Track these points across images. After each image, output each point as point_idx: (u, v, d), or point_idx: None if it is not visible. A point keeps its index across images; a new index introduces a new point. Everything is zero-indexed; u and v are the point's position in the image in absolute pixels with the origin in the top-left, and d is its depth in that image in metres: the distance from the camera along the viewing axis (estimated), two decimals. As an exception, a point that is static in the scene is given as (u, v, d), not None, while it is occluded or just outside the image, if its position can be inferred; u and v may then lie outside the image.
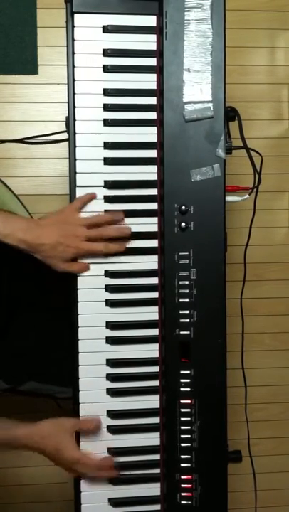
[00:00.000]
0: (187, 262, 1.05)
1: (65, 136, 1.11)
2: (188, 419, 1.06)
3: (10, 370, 1.04)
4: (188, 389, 1.06)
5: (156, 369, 1.07)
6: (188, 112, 1.03)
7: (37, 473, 1.71)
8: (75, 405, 1.07)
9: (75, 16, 1.03)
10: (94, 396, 1.06)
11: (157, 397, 1.07)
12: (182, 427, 1.06)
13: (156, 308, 1.07)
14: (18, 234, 0.99)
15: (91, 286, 1.05)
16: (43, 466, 1.70)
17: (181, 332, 1.05)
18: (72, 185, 1.05)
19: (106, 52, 1.04)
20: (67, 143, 1.05)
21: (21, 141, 1.59)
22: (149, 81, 1.05)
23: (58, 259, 1.01)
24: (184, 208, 1.04)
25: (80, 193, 1.04)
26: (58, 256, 1.01)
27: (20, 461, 1.70)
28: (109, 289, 1.06)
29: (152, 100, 1.06)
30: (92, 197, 1.03)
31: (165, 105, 1.03)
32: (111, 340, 1.06)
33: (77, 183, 1.04)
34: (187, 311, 1.05)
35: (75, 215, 1.02)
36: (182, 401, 1.06)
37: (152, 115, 1.06)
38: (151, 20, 1.05)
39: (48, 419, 1.04)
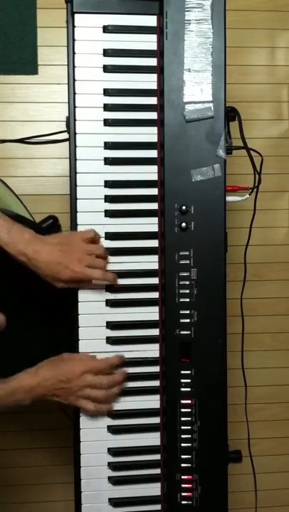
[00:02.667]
0: (187, 262, 1.05)
1: (65, 136, 1.11)
2: (189, 419, 1.06)
3: (10, 369, 1.04)
4: (189, 389, 1.06)
5: (156, 369, 1.07)
6: (189, 112, 1.03)
7: (37, 473, 1.71)
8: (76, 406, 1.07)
9: (76, 15, 1.03)
10: (94, 396, 1.06)
11: (157, 397, 1.07)
12: (182, 427, 1.06)
13: (156, 308, 1.07)
14: (19, 245, 0.99)
15: (91, 286, 1.05)
16: (43, 466, 1.70)
17: (182, 332, 1.05)
18: (73, 185, 1.05)
19: (106, 52, 1.04)
20: (67, 143, 1.05)
21: (21, 141, 1.59)
22: (150, 81, 1.05)
23: (53, 278, 1.01)
24: (184, 208, 1.04)
25: (80, 193, 1.04)
26: (53, 275, 1.00)
27: (21, 461, 1.70)
28: (109, 289, 1.06)
29: (153, 100, 1.06)
30: (99, 237, 1.04)
31: (165, 105, 1.03)
32: (111, 341, 1.06)
33: (78, 183, 1.04)
34: (187, 311, 1.05)
35: (81, 242, 1.02)
36: (182, 401, 1.06)
37: (153, 115, 1.06)
38: (151, 20, 1.05)
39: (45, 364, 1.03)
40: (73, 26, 1.03)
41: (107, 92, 1.04)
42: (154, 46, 1.05)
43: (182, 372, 1.05)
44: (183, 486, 1.06)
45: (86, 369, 1.02)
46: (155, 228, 1.07)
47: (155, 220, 1.07)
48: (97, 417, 1.06)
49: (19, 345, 1.10)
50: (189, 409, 1.06)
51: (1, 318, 0.98)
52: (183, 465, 1.06)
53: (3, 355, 1.07)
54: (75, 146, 1.04)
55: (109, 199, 1.05)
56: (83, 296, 1.05)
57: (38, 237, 1.02)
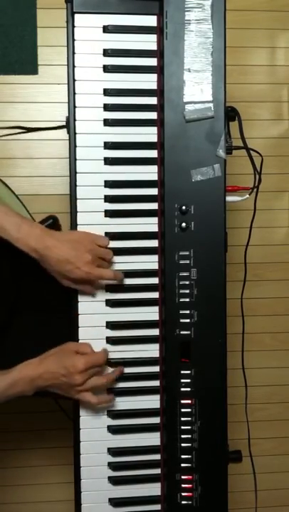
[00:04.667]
0: (187, 262, 1.05)
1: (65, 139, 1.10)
2: (189, 419, 1.06)
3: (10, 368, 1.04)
4: (189, 389, 1.06)
5: (156, 369, 1.07)
6: (189, 112, 1.03)
7: (37, 473, 1.71)
8: (75, 405, 1.07)
9: (76, 15, 1.03)
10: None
11: (158, 397, 1.07)
12: (182, 427, 1.06)
13: (156, 308, 1.07)
14: (30, 241, 0.98)
15: (93, 290, 1.05)
16: (44, 466, 1.70)
17: (182, 332, 1.05)
18: (73, 185, 1.05)
19: (106, 52, 1.04)
20: (67, 142, 1.05)
21: (22, 127, 1.57)
22: (150, 81, 1.05)
23: (62, 275, 1.01)
24: (184, 208, 1.04)
25: (80, 192, 1.04)
26: (63, 273, 1.01)
27: (21, 461, 1.70)
28: (109, 289, 1.06)
29: (153, 100, 1.06)
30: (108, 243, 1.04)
31: (165, 105, 1.03)
32: (111, 341, 1.06)
33: (78, 183, 1.04)
34: (187, 311, 1.05)
35: (93, 243, 1.02)
36: (182, 401, 1.06)
37: (153, 115, 1.06)
38: (151, 20, 1.05)
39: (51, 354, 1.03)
40: (73, 26, 1.03)
41: (107, 92, 1.04)
42: (154, 46, 1.05)
43: (182, 372, 1.05)
44: (183, 486, 1.06)
45: (89, 365, 1.01)
46: (155, 228, 1.07)
47: (155, 220, 1.07)
48: (97, 417, 1.06)
49: (19, 338, 1.10)
50: (189, 409, 1.06)
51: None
52: (183, 465, 1.06)
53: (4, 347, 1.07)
54: (75, 146, 1.04)
55: (109, 199, 1.05)
56: (83, 296, 1.05)
57: (49, 232, 1.02)
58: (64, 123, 1.08)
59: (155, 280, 1.07)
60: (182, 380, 1.06)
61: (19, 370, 1.00)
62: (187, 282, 1.05)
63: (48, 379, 1.01)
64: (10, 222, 0.99)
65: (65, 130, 1.08)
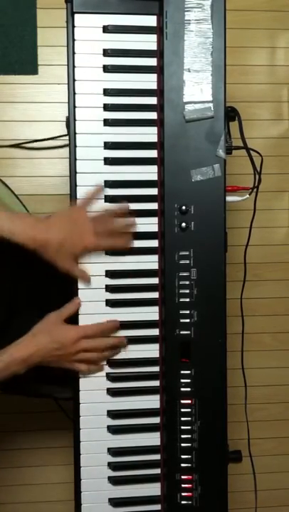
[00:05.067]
0: (187, 262, 1.05)
1: (65, 142, 1.11)
2: (189, 419, 1.06)
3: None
4: (189, 389, 1.06)
5: (156, 369, 1.07)
6: (189, 112, 1.03)
7: (37, 473, 1.71)
8: (75, 405, 1.07)
9: (76, 15, 1.03)
10: (94, 396, 1.06)
11: (157, 397, 1.07)
12: (182, 427, 1.06)
13: (156, 308, 1.07)
14: (26, 230, 0.99)
15: (91, 286, 1.05)
16: (43, 466, 1.70)
17: (182, 332, 1.05)
18: (73, 185, 1.05)
19: (106, 52, 1.04)
20: (67, 142, 1.05)
21: (18, 146, 1.58)
22: (150, 81, 1.05)
23: (64, 256, 1.01)
24: (184, 208, 1.04)
25: (80, 192, 1.04)
26: (65, 253, 1.01)
27: (21, 461, 1.70)
28: (109, 289, 1.06)
29: (152, 100, 1.06)
30: (98, 190, 1.03)
31: (165, 105, 1.03)
32: (111, 340, 1.06)
33: (78, 183, 1.04)
34: (187, 311, 1.05)
35: (82, 213, 1.03)
36: (182, 401, 1.06)
37: (152, 115, 1.06)
38: (151, 20, 1.05)
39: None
40: (73, 26, 1.03)
41: (107, 92, 1.04)
42: (154, 46, 1.05)
43: (182, 372, 1.05)
44: (183, 486, 1.06)
45: (80, 335, 1.02)
46: (155, 228, 1.07)
47: (155, 220, 1.07)
48: (97, 417, 1.06)
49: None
50: (189, 409, 1.06)
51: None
52: (183, 465, 1.06)
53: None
54: (75, 146, 1.04)
55: (109, 199, 1.05)
56: (83, 295, 1.05)
57: (40, 218, 1.03)
58: (64, 126, 1.08)
59: (155, 280, 1.07)
60: (182, 380, 1.06)
61: (10, 353, 1.00)
62: (187, 282, 1.05)
63: (41, 355, 1.01)
64: (1, 218, 0.99)
65: (65, 130, 1.09)
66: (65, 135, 1.10)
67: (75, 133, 1.04)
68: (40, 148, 1.54)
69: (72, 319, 1.05)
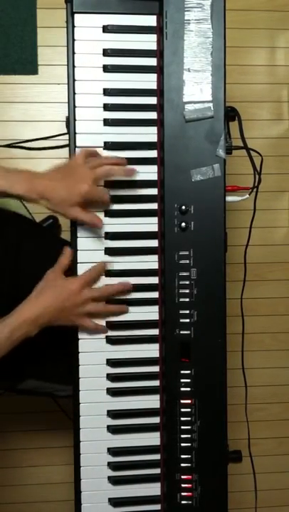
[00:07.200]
0: (187, 261, 1.05)
1: (65, 141, 1.11)
2: (189, 419, 1.06)
3: (8, 366, 1.03)
4: (189, 389, 1.06)
5: (156, 369, 1.07)
6: (189, 112, 1.03)
7: (37, 473, 1.71)
8: (75, 405, 1.07)
9: (76, 15, 1.03)
10: (94, 396, 1.06)
11: (157, 397, 1.07)
12: (182, 427, 1.06)
13: (156, 308, 1.07)
14: (24, 183, 0.98)
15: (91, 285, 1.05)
16: (43, 466, 1.70)
17: (182, 332, 1.05)
18: (73, 185, 1.05)
19: (106, 52, 1.04)
20: (67, 142, 1.05)
21: (21, 147, 1.58)
22: (150, 81, 1.05)
23: (68, 204, 1.00)
24: (184, 207, 1.04)
25: (80, 192, 1.04)
26: (68, 201, 0.99)
27: (21, 461, 1.70)
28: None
29: (152, 100, 1.06)
30: (94, 151, 1.03)
31: (165, 105, 1.03)
32: (111, 340, 1.06)
33: (78, 183, 1.04)
34: (187, 311, 1.05)
35: (82, 164, 1.01)
36: (182, 401, 1.06)
37: (152, 115, 1.06)
38: (151, 20, 1.05)
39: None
40: (73, 26, 1.03)
41: (107, 92, 1.04)
42: (153, 46, 1.05)
43: (182, 372, 1.05)
44: (183, 485, 1.06)
45: (82, 283, 1.02)
46: (155, 228, 1.07)
47: (155, 220, 1.07)
48: (97, 417, 1.06)
49: None
50: (189, 409, 1.06)
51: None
52: (183, 465, 1.06)
53: None
54: (75, 146, 1.04)
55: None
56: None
57: (37, 172, 1.02)
58: (64, 126, 1.08)
59: (155, 280, 1.07)
60: (182, 380, 1.06)
61: (17, 315, 1.00)
62: (187, 282, 1.05)
63: (49, 313, 1.01)
64: None
65: (65, 130, 1.09)
66: (64, 133, 1.10)
67: (75, 133, 1.04)
68: (40, 148, 1.54)
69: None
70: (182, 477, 1.06)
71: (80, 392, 1.06)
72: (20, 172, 1.01)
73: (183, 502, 1.06)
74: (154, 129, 1.06)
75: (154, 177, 1.06)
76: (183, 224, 1.04)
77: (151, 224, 1.07)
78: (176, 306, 1.05)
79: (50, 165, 1.03)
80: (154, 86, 1.06)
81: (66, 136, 1.07)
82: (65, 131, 1.08)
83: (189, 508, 1.06)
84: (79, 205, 1.00)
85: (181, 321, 1.05)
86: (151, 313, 1.07)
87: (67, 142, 1.05)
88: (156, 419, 1.08)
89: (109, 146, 1.04)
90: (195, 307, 1.05)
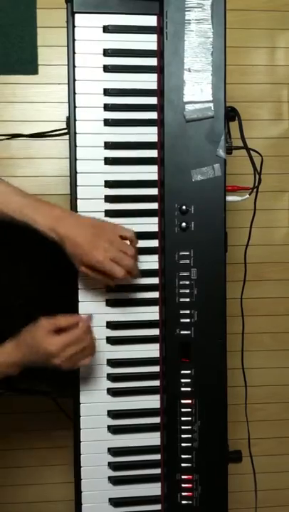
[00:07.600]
0: (188, 261, 1.05)
1: (65, 142, 1.11)
2: (189, 419, 1.06)
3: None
4: (189, 389, 1.06)
5: (156, 369, 1.07)
6: (189, 112, 1.03)
7: (37, 473, 1.71)
8: (75, 405, 1.07)
9: (76, 15, 1.03)
10: (94, 396, 1.06)
11: (158, 397, 1.07)
12: (182, 427, 1.06)
13: (156, 308, 1.07)
14: (49, 221, 0.96)
15: (91, 286, 1.05)
16: (44, 466, 1.70)
17: (182, 332, 1.05)
18: (73, 185, 1.05)
19: (106, 52, 1.04)
20: (67, 142, 1.05)
21: (19, 135, 1.57)
22: (150, 81, 1.05)
23: (77, 260, 0.98)
24: (184, 207, 1.04)
25: (80, 192, 1.04)
26: (77, 256, 0.97)
27: (21, 461, 1.70)
28: (109, 288, 1.06)
29: (153, 100, 1.06)
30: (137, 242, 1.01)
31: (165, 105, 1.03)
32: (111, 340, 1.06)
33: (78, 183, 1.05)
34: (188, 311, 1.05)
35: (116, 234, 0.99)
36: (182, 401, 1.06)
37: (153, 115, 1.06)
38: (151, 20, 1.05)
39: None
40: (73, 26, 1.03)
41: (107, 92, 1.04)
42: (154, 46, 1.05)
43: (182, 372, 1.05)
44: (183, 485, 1.06)
45: (62, 345, 0.95)
46: (155, 228, 1.07)
47: (155, 220, 1.07)
48: (97, 417, 1.06)
49: None
50: (189, 409, 1.06)
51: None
52: (183, 465, 1.06)
53: None
54: (75, 146, 1.04)
55: (109, 199, 1.05)
56: (83, 295, 1.05)
57: (71, 213, 1.00)
58: (64, 125, 1.08)
59: (155, 280, 1.07)
60: (182, 380, 1.06)
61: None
62: (187, 282, 1.05)
63: (26, 362, 0.98)
64: (27, 204, 0.98)
65: (65, 130, 1.09)
66: (64, 129, 1.09)
67: (75, 133, 1.04)
68: (39, 138, 1.54)
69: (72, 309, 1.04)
70: (182, 477, 1.06)
71: (80, 392, 1.06)
72: (52, 208, 0.99)
73: (183, 502, 1.06)
74: (154, 129, 1.06)
75: (155, 177, 1.06)
76: (183, 224, 1.04)
77: (151, 224, 1.07)
78: (176, 306, 1.05)
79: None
80: (154, 86, 1.06)
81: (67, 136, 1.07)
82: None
83: (189, 508, 1.06)
84: (89, 267, 0.98)
85: (182, 321, 1.05)
86: (152, 313, 1.07)
87: (67, 143, 1.05)
88: (157, 419, 1.08)
89: (109, 146, 1.05)
90: (195, 307, 1.05)
